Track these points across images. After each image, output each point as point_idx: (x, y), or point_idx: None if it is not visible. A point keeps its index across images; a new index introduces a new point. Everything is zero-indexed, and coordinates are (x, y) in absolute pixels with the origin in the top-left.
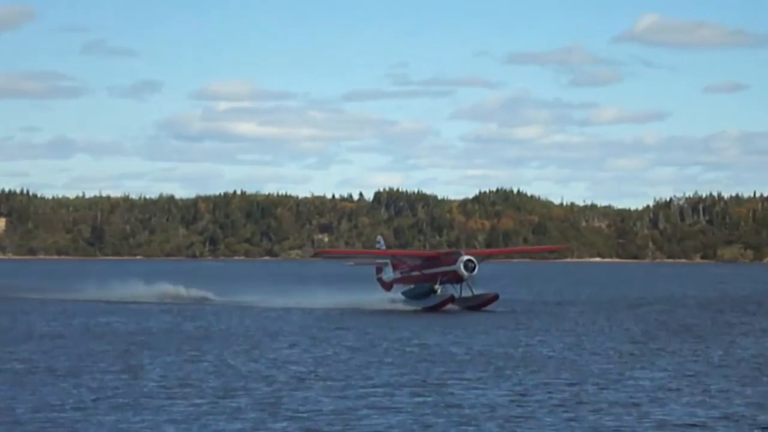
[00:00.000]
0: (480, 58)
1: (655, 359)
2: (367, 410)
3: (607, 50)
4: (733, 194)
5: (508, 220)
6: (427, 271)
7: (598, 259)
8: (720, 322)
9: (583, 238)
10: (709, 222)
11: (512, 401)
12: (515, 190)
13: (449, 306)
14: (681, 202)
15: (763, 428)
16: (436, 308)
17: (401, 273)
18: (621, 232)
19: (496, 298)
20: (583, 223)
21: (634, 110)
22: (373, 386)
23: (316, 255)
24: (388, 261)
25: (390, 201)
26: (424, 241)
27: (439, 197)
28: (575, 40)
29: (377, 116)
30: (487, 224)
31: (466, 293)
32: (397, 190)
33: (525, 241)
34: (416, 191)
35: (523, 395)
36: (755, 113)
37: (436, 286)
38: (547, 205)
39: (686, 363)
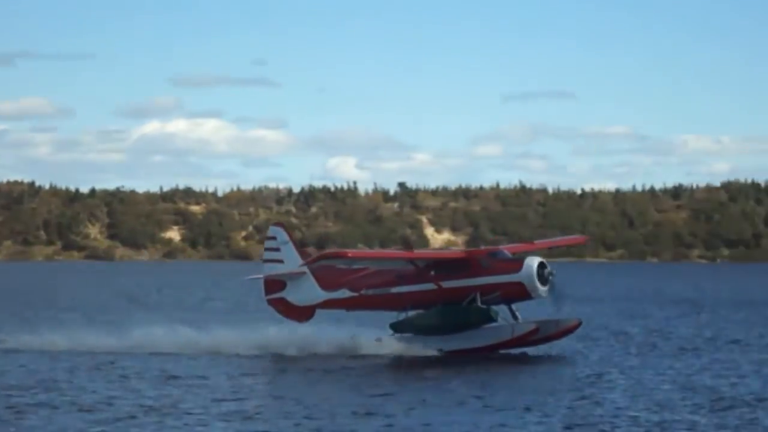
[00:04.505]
0: None
1: None
2: None
3: None
4: None
5: None
6: (447, 284)
7: None
8: None
9: None
10: None
11: None
12: None
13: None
14: None
15: None
16: (491, 350)
17: (356, 290)
18: None
19: (578, 325)
20: None
21: None
22: None
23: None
24: (304, 269)
25: None
26: None
27: None
28: None
29: None
30: None
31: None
32: None
33: None
34: None
35: None
36: None
37: (490, 307)
38: None
39: None
